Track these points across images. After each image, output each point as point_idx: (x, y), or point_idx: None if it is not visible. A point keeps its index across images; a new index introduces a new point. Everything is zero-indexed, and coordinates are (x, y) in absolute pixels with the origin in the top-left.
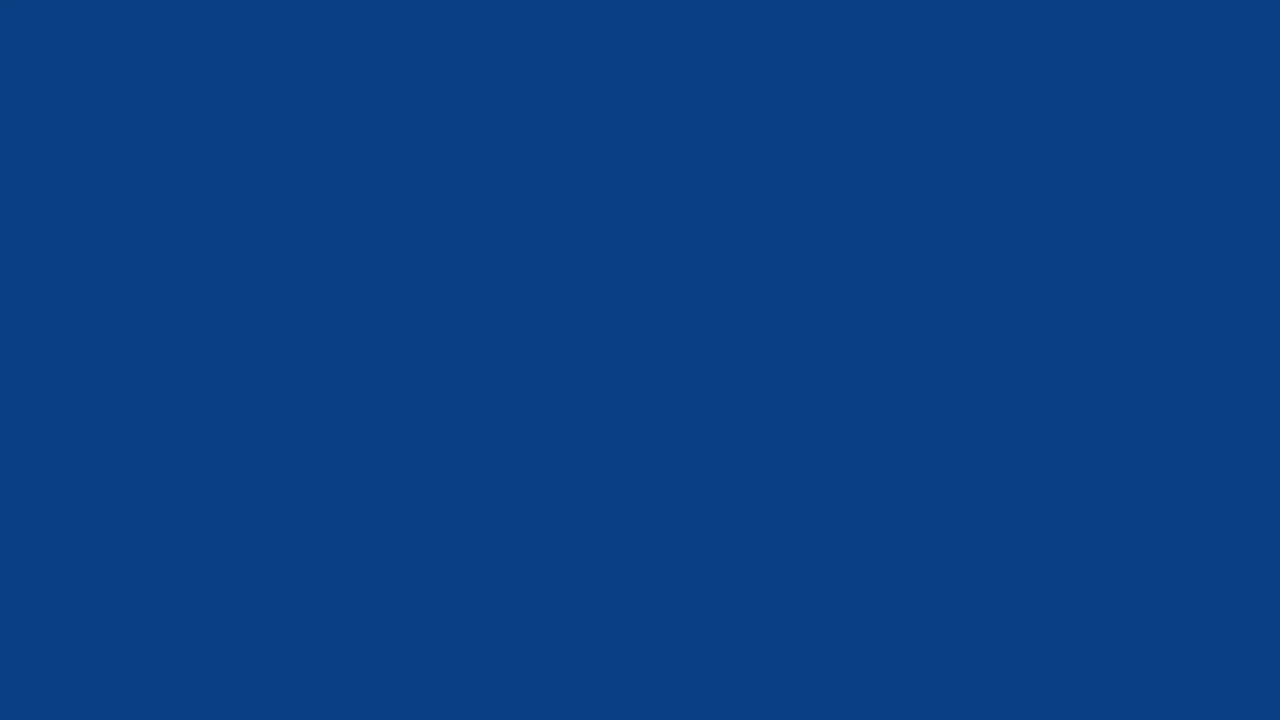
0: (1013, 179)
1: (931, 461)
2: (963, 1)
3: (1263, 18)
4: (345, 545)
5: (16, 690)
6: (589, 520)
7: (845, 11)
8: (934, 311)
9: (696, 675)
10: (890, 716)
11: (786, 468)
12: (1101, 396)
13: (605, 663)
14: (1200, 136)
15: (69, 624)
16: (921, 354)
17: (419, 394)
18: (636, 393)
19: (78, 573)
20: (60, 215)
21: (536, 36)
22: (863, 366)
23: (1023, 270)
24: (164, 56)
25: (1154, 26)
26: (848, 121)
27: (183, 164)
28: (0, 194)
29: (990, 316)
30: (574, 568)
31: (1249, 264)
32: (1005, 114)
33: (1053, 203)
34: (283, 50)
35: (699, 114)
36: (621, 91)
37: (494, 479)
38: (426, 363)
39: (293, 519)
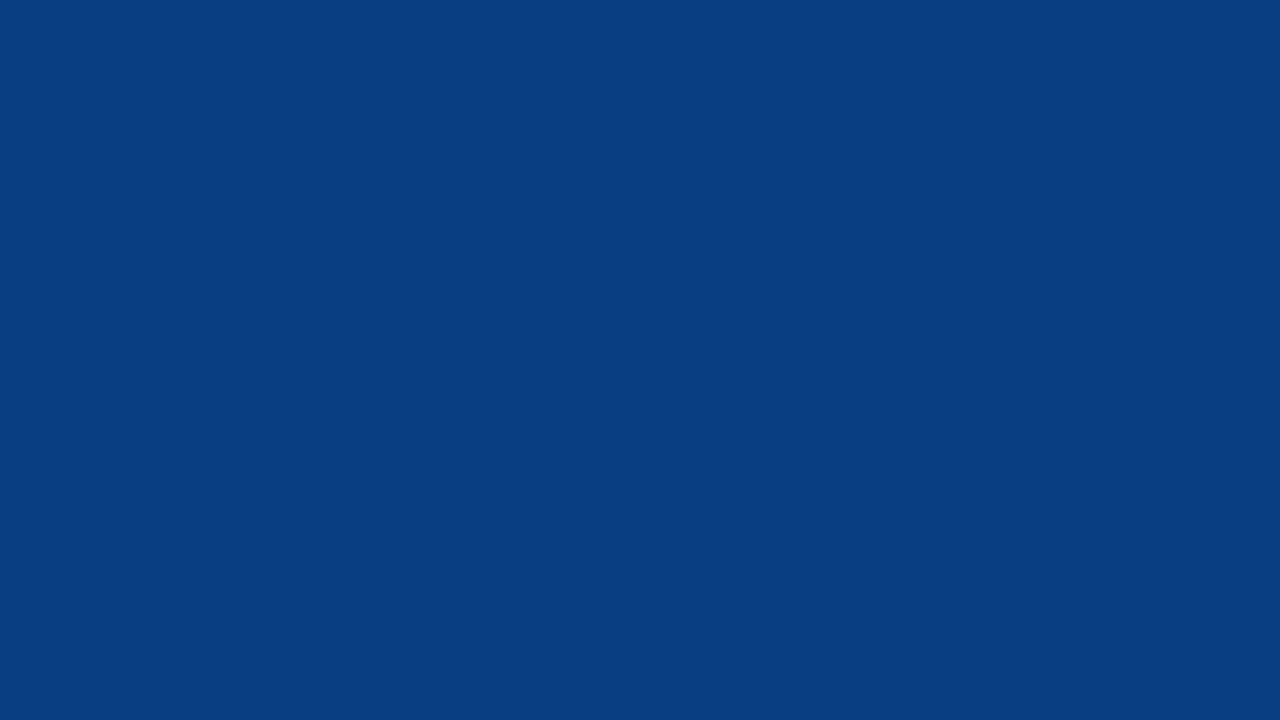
0: (1013, 179)
1: (932, 462)
2: (963, 1)
3: (1263, 18)
4: (345, 545)
5: (16, 690)
6: (589, 520)
7: (845, 11)
8: (934, 311)
9: (696, 675)
10: (890, 716)
11: (786, 468)
12: (1101, 396)
13: (605, 663)
14: (1200, 136)
15: (69, 624)
16: (921, 354)
17: (419, 394)
18: (636, 394)
19: (78, 573)
20: (60, 215)
21: (536, 37)
22: (863, 367)
23: (1022, 270)
24: (164, 56)
25: (1154, 26)
26: (847, 121)
27: (183, 164)
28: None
29: (990, 316)
30: (574, 568)
31: (1249, 264)
32: (1005, 114)
33: (1053, 203)
34: (283, 50)
35: (699, 114)
36: (621, 91)
37: (494, 479)
38: (426, 363)
39: (293, 519)
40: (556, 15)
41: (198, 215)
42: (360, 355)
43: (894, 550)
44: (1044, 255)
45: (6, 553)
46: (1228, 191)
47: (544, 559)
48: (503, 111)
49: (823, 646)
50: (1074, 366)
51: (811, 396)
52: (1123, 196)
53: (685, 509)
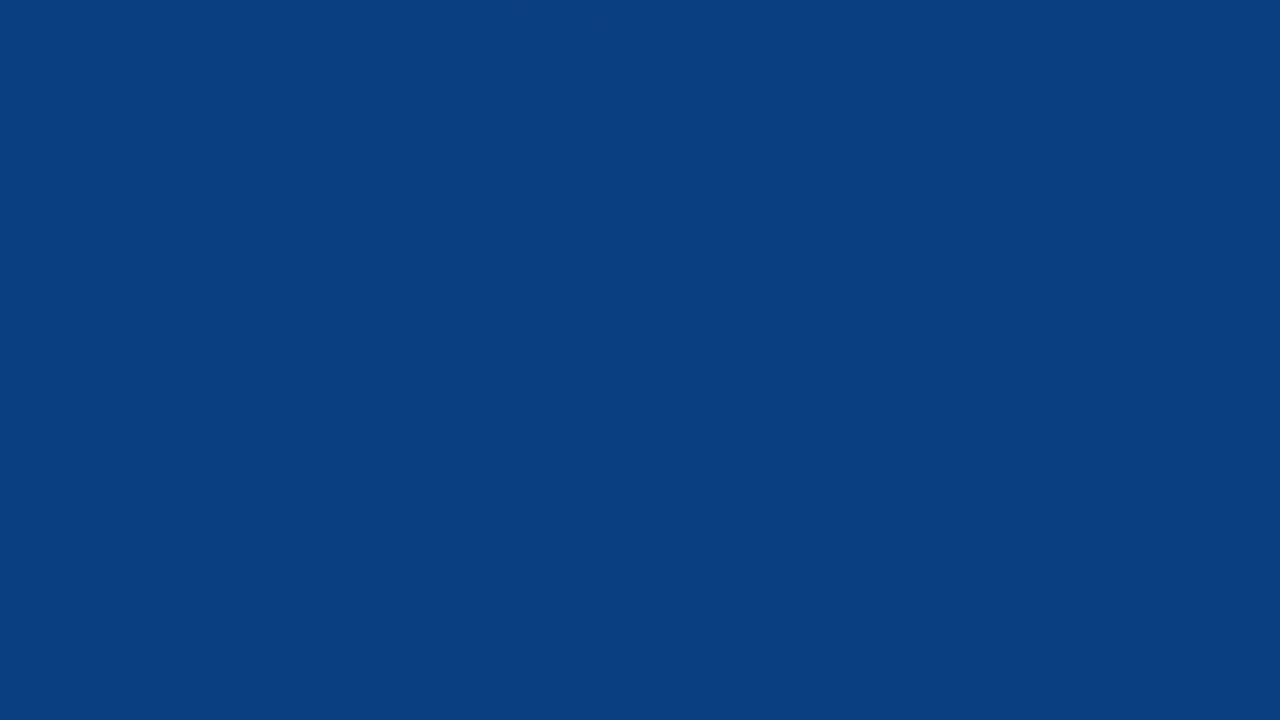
0: (1013, 179)
1: (932, 462)
2: (963, 1)
3: (1263, 18)
4: (345, 545)
5: (16, 690)
6: (589, 520)
7: (845, 11)
8: (934, 311)
9: (696, 675)
10: (890, 717)
11: (787, 468)
12: (1101, 397)
13: (605, 663)
14: (1200, 136)
15: (69, 624)
16: (921, 354)
17: (419, 394)
18: (637, 393)
19: (78, 573)
20: (60, 215)
21: (536, 37)
22: (863, 367)
23: (1023, 270)
24: (164, 56)
25: (1154, 27)
26: (848, 122)
27: (183, 164)
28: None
29: (990, 316)
30: (574, 567)
31: (1249, 264)
32: (1005, 114)
33: (1053, 203)
34: (283, 50)
35: (699, 114)
36: (621, 92)
37: (494, 479)
38: (427, 363)
39: (293, 519)
40: (556, 15)
41: (198, 215)
42: (360, 355)
43: (894, 550)
44: (1044, 255)
45: (6, 553)
46: (1228, 191)
47: (544, 559)
48: (503, 111)
49: (823, 646)
50: (1074, 366)
51: (812, 396)
52: (1123, 196)
53: (685, 509)
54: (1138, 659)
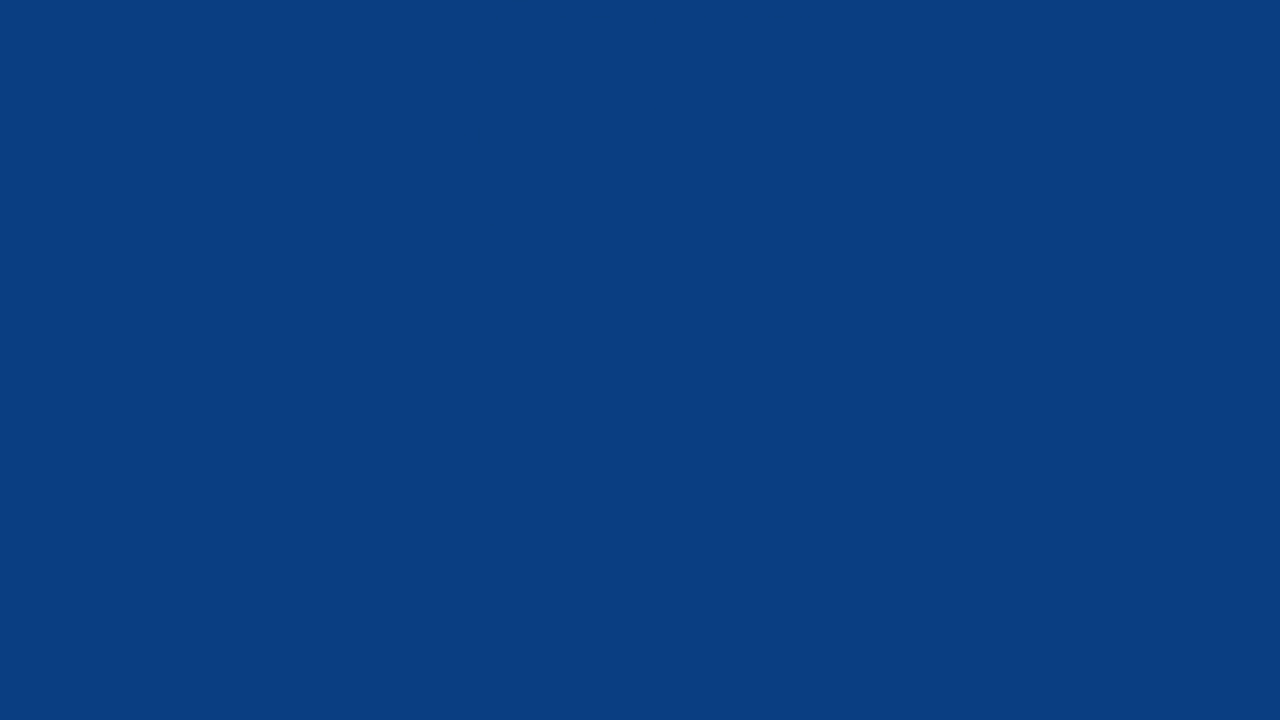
0: (1013, 179)
1: (932, 462)
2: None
3: (1263, 18)
4: (345, 545)
5: (16, 690)
6: (589, 520)
7: (845, 11)
8: (934, 312)
9: (697, 675)
10: (890, 717)
11: (787, 468)
12: (1101, 397)
13: (605, 663)
14: (1200, 137)
15: (69, 624)
16: (921, 354)
17: (420, 394)
18: (637, 393)
19: (78, 573)
20: (60, 215)
21: (536, 37)
22: (863, 367)
23: (1023, 270)
24: (164, 56)
25: (1154, 27)
26: (848, 122)
27: (183, 164)
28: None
29: (990, 316)
30: (574, 567)
31: (1249, 264)
32: (1005, 114)
33: (1053, 203)
34: (283, 50)
35: (699, 114)
36: (621, 92)
37: (494, 479)
38: (427, 363)
39: (293, 519)
40: (556, 15)
41: (198, 215)
42: (360, 355)
43: (894, 550)
44: (1044, 255)
45: (6, 553)
46: (1228, 191)
47: (544, 559)
48: (503, 112)
49: (823, 646)
50: (1074, 366)
51: (812, 397)
52: (1123, 196)
53: (685, 509)
54: (1138, 659)
